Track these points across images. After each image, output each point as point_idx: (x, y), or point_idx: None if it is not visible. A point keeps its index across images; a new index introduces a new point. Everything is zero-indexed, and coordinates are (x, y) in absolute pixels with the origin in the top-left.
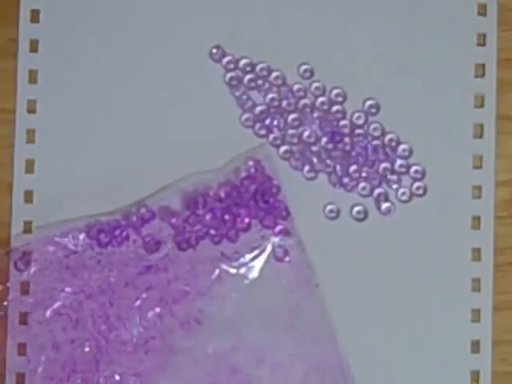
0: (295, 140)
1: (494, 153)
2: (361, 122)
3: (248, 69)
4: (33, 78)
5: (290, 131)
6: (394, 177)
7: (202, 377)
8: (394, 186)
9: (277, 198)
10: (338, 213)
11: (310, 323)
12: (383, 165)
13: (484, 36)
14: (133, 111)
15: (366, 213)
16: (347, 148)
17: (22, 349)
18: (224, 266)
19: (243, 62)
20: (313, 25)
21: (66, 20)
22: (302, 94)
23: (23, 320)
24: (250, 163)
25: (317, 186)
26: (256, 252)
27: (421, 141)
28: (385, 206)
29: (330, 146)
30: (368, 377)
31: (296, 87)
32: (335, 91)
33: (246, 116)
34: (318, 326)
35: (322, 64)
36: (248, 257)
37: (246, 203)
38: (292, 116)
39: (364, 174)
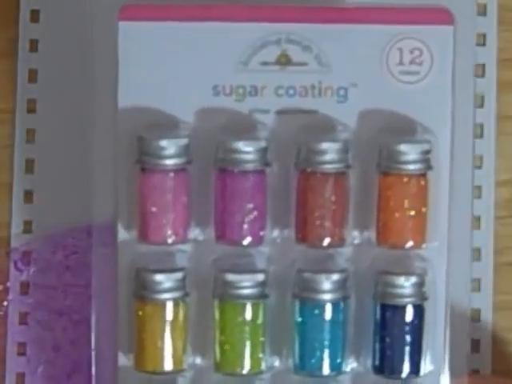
0: None
1: (494, 153)
2: None
3: None
4: (33, 77)
5: None
6: None
7: None
8: None
9: None
10: None
11: None
12: None
13: (484, 36)
14: None
15: None
16: None
17: (21, 349)
18: None
19: None
20: None
21: (66, 20)
22: None
23: (23, 320)
24: None
25: None
26: None
27: None
28: None
29: None
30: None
31: None
32: None
33: None
34: None
35: None
36: None
37: None
38: None
39: None
